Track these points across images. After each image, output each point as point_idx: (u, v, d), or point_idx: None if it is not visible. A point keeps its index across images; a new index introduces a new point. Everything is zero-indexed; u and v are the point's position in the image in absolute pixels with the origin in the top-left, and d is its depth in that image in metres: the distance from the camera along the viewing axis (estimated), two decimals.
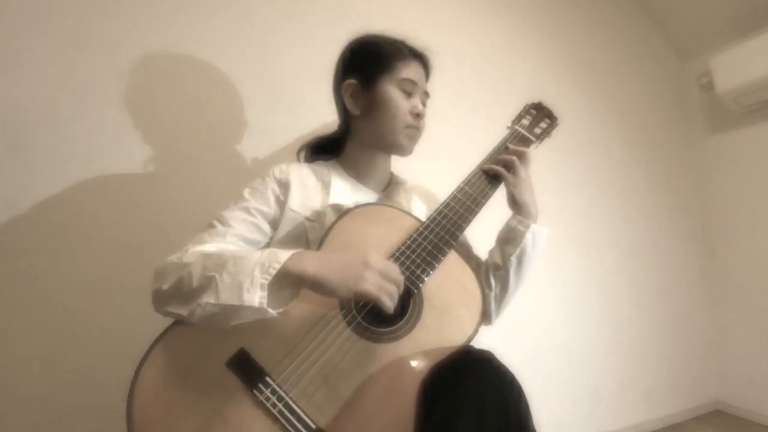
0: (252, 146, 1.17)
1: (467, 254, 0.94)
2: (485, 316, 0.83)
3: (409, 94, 0.83)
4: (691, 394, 1.81)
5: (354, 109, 0.85)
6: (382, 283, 0.59)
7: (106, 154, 1.03)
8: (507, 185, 0.82)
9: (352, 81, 0.85)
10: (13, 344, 0.93)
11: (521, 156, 0.82)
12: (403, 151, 0.87)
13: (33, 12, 0.99)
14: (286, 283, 0.59)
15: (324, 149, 0.93)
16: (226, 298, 0.57)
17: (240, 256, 0.60)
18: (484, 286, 0.83)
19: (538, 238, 0.82)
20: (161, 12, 1.10)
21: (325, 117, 1.19)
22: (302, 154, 0.96)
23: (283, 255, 0.60)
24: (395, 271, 0.61)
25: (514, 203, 0.83)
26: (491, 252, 0.88)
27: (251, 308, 0.56)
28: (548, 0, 1.69)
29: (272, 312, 0.57)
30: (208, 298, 0.57)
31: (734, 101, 1.68)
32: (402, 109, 0.82)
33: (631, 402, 1.68)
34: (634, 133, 1.82)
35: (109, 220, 1.02)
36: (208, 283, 0.58)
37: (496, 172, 0.82)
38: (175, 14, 1.11)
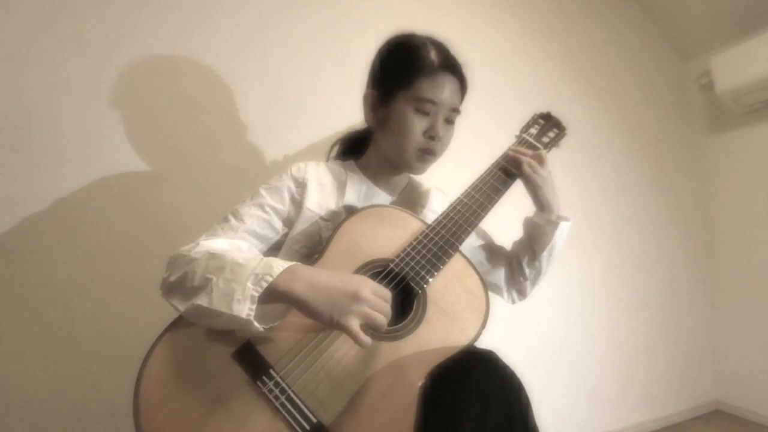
0: (252, 146, 1.17)
1: (493, 250, 0.97)
2: (522, 295, 0.96)
3: (427, 114, 0.78)
4: (691, 394, 1.81)
5: (371, 121, 0.85)
6: (367, 314, 0.58)
7: (106, 154, 1.03)
8: (530, 186, 0.84)
9: (372, 91, 0.83)
10: (13, 344, 0.93)
11: (537, 157, 0.85)
12: (413, 171, 0.86)
13: (33, 12, 0.99)
14: (275, 298, 0.59)
15: (352, 147, 0.93)
16: (218, 304, 0.58)
17: (238, 262, 0.61)
18: (519, 278, 0.92)
19: (565, 231, 0.86)
20: (161, 12, 1.10)
21: (325, 116, 1.19)
22: (335, 149, 0.96)
23: (278, 267, 0.60)
24: (385, 304, 0.61)
25: (540, 203, 0.85)
26: (520, 246, 0.91)
27: (238, 318, 0.57)
28: (549, 0, 1.69)
29: (257, 326, 0.58)
30: (201, 301, 0.59)
31: (734, 101, 1.68)
32: (414, 132, 0.78)
33: (631, 402, 1.68)
34: (635, 133, 1.82)
35: (109, 220, 1.02)
36: (205, 284, 0.60)
37: (521, 168, 0.83)
38: (174, 14, 1.11)
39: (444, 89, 0.78)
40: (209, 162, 1.12)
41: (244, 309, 0.57)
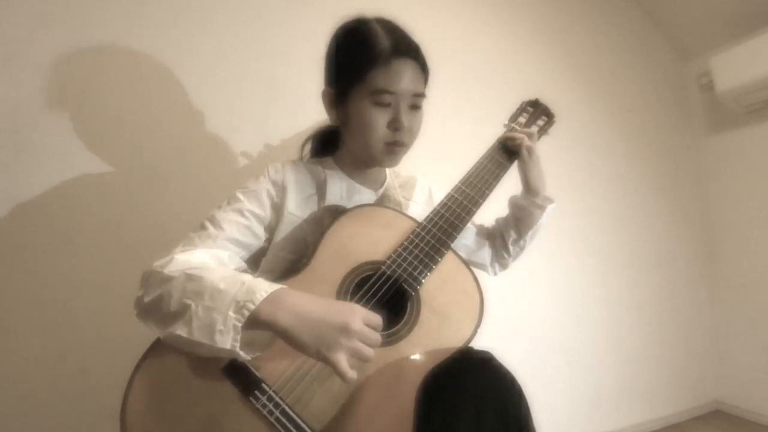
0: (251, 145, 1.17)
1: (477, 231, 0.99)
2: (504, 268, 1.01)
3: (387, 105, 0.73)
4: (691, 394, 1.81)
5: (333, 120, 0.81)
6: (356, 348, 0.55)
7: (105, 154, 1.03)
8: (525, 168, 0.87)
9: (329, 89, 0.78)
10: (12, 344, 0.93)
11: (524, 141, 0.86)
12: (384, 166, 0.83)
13: (33, 12, 0.98)
14: (258, 326, 0.56)
15: (325, 143, 0.90)
16: (198, 335, 0.54)
17: (218, 288, 0.56)
18: (502, 254, 0.96)
19: (550, 212, 0.91)
20: (161, 11, 1.10)
21: (325, 116, 1.19)
22: (307, 146, 0.92)
23: (261, 292, 0.56)
24: (375, 335, 0.57)
25: (529, 185, 0.88)
26: (505, 225, 0.96)
27: (223, 350, 0.54)
28: (549, 0, 1.69)
29: (244, 356, 0.55)
30: (181, 331, 0.55)
31: (734, 101, 1.68)
32: (377, 128, 0.73)
33: (631, 402, 1.68)
34: (635, 133, 1.82)
35: (110, 220, 1.02)
36: (183, 311, 0.56)
37: (520, 150, 0.85)
38: (174, 14, 1.11)
39: (401, 76, 0.72)
40: (210, 161, 1.12)
41: (228, 340, 0.54)
